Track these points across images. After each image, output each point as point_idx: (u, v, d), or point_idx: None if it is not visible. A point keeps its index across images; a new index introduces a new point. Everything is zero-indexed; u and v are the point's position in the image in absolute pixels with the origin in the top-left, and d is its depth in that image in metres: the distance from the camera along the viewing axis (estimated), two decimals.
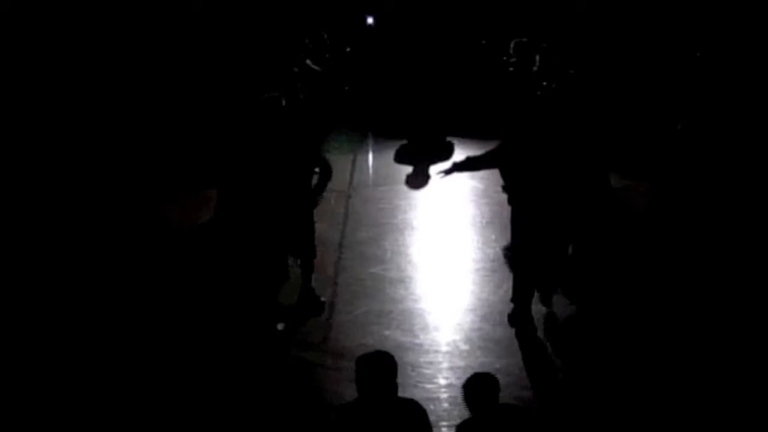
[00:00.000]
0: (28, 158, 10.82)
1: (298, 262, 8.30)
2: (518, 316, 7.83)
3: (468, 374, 7.01)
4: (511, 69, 11.87)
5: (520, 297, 7.84)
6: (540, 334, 7.76)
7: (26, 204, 9.85)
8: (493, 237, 9.82)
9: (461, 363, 7.31)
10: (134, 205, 10.16)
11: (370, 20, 15.06)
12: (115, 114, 12.00)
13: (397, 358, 7.25)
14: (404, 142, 13.00)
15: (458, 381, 7.01)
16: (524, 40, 11.66)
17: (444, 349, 7.55)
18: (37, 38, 12.17)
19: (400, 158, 12.50)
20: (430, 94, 13.65)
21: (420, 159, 12.29)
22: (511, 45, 11.69)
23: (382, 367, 5.18)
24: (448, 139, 13.23)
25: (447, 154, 12.67)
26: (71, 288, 8.26)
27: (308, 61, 11.75)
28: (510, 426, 5.18)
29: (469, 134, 13.26)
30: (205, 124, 11.20)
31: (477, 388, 5.23)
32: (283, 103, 7.89)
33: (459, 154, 12.94)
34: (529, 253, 7.71)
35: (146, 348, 7.36)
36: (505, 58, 12.42)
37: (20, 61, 11.94)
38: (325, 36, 12.39)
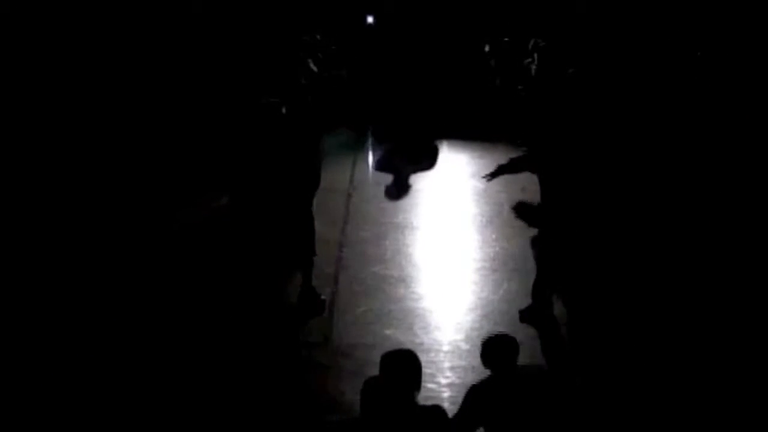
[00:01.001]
0: (35, 163, 10.81)
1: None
2: (537, 313, 7.86)
3: (469, 373, 7.10)
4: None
5: (543, 293, 7.87)
6: (541, 332, 7.76)
7: (36, 209, 9.85)
8: (494, 236, 9.84)
9: (462, 362, 7.31)
10: (141, 210, 10.15)
11: (370, 20, 15.07)
12: (118, 118, 12.00)
13: None
14: (402, 140, 13.04)
15: (459, 380, 7.04)
16: (539, 40, 11.70)
17: (445, 348, 7.55)
18: (39, 40, 12.17)
19: (398, 157, 12.53)
20: (428, 94, 13.68)
21: (417, 158, 12.35)
22: (530, 44, 11.72)
23: (408, 367, 5.13)
24: (446, 140, 13.30)
25: (439, 154, 12.75)
26: (79, 289, 8.26)
27: (309, 61, 11.75)
28: (525, 386, 5.23)
29: (470, 135, 13.31)
30: (208, 128, 11.21)
31: (496, 347, 5.31)
32: (283, 110, 7.92)
33: (458, 155, 12.97)
34: (562, 248, 7.76)
35: (147, 347, 7.36)
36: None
37: (22, 64, 11.94)
38: (318, 37, 12.41)
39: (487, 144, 13.23)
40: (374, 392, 5.03)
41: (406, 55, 14.18)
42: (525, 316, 7.91)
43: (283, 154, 7.82)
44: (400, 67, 14.05)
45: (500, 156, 12.95)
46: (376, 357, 7.17)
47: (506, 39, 12.52)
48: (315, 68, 11.86)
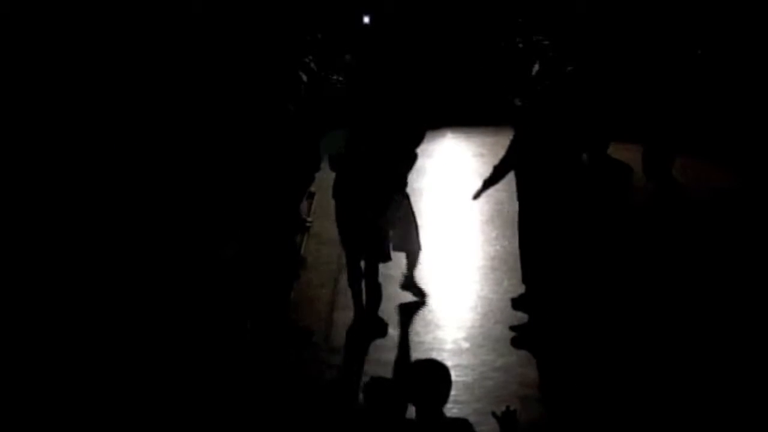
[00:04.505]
0: (35, 164, 10.81)
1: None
2: (529, 301, 8.03)
3: (470, 372, 7.12)
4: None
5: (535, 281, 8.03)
6: (541, 331, 7.77)
7: (37, 209, 9.85)
8: (494, 235, 9.86)
9: (463, 361, 7.31)
10: (141, 206, 10.15)
11: (366, 19, 15.11)
12: (118, 117, 12.01)
13: (399, 356, 7.37)
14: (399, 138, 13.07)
15: (460, 379, 7.04)
16: (542, 40, 11.73)
17: (446, 347, 7.56)
18: (39, 40, 12.18)
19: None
20: (427, 90, 13.72)
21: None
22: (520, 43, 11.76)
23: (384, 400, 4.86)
24: (446, 138, 13.33)
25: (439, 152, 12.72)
26: (75, 288, 8.27)
27: (309, 58, 11.76)
28: None
29: (470, 133, 13.33)
30: (207, 128, 11.21)
31: (425, 378, 4.42)
32: (291, 107, 7.96)
33: (458, 153, 12.99)
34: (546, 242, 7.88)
35: (146, 347, 7.36)
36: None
37: (22, 64, 11.95)
38: (320, 36, 12.43)
39: (487, 142, 13.25)
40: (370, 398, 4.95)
41: (404, 54, 14.22)
42: (518, 304, 8.07)
43: (286, 152, 7.83)
44: (398, 66, 14.09)
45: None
46: (378, 355, 7.30)
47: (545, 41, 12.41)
48: (314, 67, 11.87)
